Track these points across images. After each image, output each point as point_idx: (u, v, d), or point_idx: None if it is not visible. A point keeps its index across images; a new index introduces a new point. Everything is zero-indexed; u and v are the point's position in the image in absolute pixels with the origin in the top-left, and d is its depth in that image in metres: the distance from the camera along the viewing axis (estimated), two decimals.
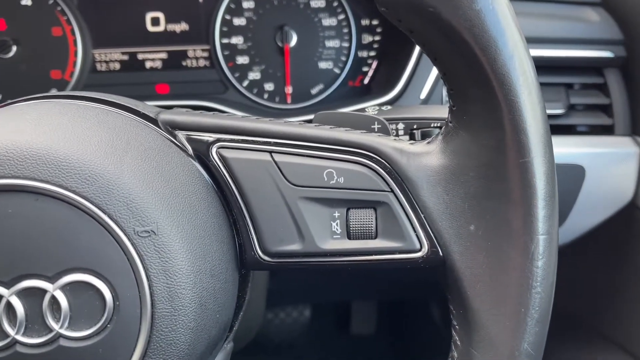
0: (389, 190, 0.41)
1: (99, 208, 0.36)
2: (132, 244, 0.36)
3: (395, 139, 0.43)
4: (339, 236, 0.42)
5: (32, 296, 0.36)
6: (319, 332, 1.52)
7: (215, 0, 0.83)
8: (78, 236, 0.36)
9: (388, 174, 0.41)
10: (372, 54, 0.86)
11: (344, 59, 0.86)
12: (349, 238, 0.42)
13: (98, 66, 0.85)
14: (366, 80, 0.87)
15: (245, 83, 0.86)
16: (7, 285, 0.36)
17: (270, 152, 0.43)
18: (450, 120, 0.41)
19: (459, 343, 0.41)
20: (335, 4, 0.84)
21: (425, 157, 0.41)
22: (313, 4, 0.84)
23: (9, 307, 0.36)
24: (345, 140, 0.42)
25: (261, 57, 0.85)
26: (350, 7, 0.84)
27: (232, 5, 0.84)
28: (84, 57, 0.83)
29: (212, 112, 0.47)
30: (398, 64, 0.81)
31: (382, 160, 0.41)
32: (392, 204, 0.41)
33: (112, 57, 0.85)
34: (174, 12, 0.84)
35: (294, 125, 0.43)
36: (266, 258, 0.43)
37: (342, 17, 0.85)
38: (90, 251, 0.36)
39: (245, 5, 0.84)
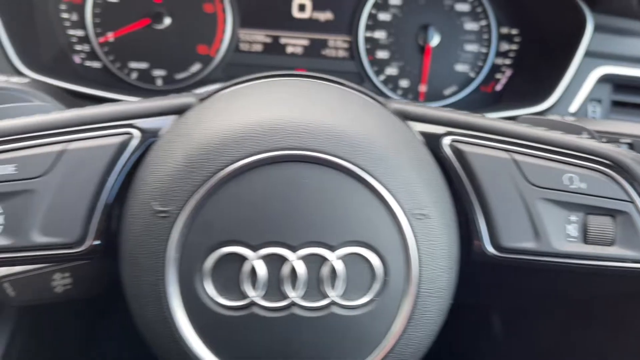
0: (630, 200, 0.43)
1: (385, 187, 0.38)
2: (410, 225, 0.38)
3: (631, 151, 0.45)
4: (574, 239, 0.43)
5: (312, 263, 0.38)
6: None
7: None
8: (361, 210, 0.38)
9: (630, 185, 0.43)
10: (507, 62, 0.88)
11: (480, 64, 0.87)
12: (586, 242, 0.43)
13: (241, 46, 0.87)
14: (498, 87, 0.88)
15: (382, 77, 0.87)
16: (293, 249, 0.38)
17: (510, 151, 0.44)
18: None
19: None
20: (479, 9, 0.86)
21: None
22: (458, 7, 0.86)
23: (293, 271, 0.38)
24: (587, 148, 0.44)
25: (401, 54, 0.87)
26: (493, 14, 0.86)
27: (380, 1, 0.85)
28: (231, 35, 0.86)
29: (435, 106, 0.49)
30: (540, 75, 0.82)
31: (624, 171, 0.43)
32: (632, 214, 0.43)
33: (255, 38, 0.87)
34: (321, 1, 0.86)
35: (532, 128, 0.45)
36: (494, 252, 0.44)
37: (484, 23, 0.86)
38: (370, 226, 0.38)
39: (392, 1, 0.86)
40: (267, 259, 0.38)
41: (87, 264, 0.61)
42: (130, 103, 0.45)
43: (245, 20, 0.86)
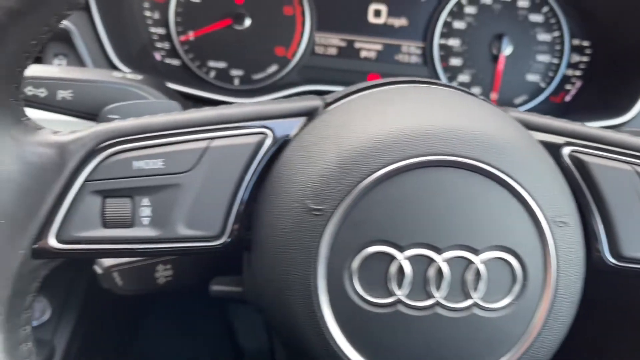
0: None
1: (529, 194, 0.40)
2: (551, 232, 0.40)
3: None
4: None
5: (457, 265, 0.40)
6: None
7: (438, 1, 0.87)
8: (505, 216, 0.40)
9: None
10: (578, 73, 0.89)
11: (551, 74, 0.89)
12: None
13: (317, 49, 0.89)
14: (567, 98, 0.90)
15: (454, 84, 0.89)
16: (439, 251, 0.40)
17: (632, 163, 0.46)
18: None
19: None
20: (553, 20, 0.87)
21: None
22: (532, 18, 0.87)
23: (438, 272, 0.40)
24: None
25: (473, 62, 0.88)
26: (567, 26, 0.87)
27: (455, 9, 0.87)
28: (308, 38, 0.87)
29: (549, 116, 0.51)
30: (611, 88, 0.84)
31: None
32: None
33: (331, 41, 0.89)
34: (397, 7, 0.88)
35: None
36: (614, 261, 0.46)
37: (557, 34, 0.88)
38: (513, 231, 0.40)
39: (467, 10, 0.87)
40: (414, 259, 0.40)
41: (186, 257, 0.63)
42: (263, 104, 0.47)
43: (322, 23, 0.88)
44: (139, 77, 0.57)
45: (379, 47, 0.89)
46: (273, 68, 0.88)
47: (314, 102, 0.48)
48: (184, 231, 0.43)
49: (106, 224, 0.42)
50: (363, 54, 0.89)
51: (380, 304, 0.40)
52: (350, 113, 0.43)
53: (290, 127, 0.46)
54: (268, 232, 0.42)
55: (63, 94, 0.54)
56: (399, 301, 0.40)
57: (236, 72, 0.88)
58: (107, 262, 0.59)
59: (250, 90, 0.88)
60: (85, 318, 0.97)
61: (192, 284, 0.65)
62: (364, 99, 0.46)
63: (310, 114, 0.47)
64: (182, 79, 0.87)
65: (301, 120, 0.47)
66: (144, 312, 1.24)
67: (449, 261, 0.40)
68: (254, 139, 0.45)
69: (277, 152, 0.46)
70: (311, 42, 0.88)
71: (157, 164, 0.43)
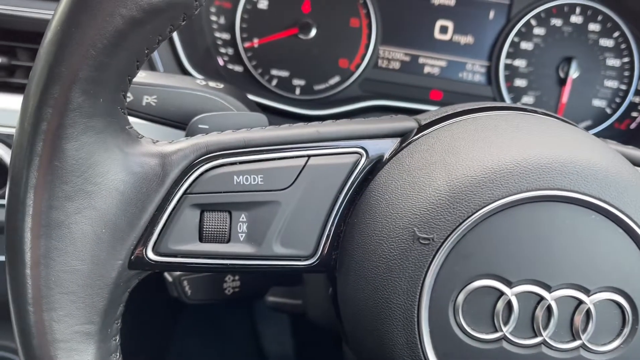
0: None
1: None
2: None
3: None
4: None
5: (566, 304, 0.39)
6: None
7: (506, 20, 0.86)
8: (620, 256, 0.38)
9: None
10: None
11: (618, 100, 0.87)
12: None
13: (380, 62, 0.88)
14: (633, 126, 0.88)
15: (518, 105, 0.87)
16: (550, 289, 0.38)
17: None
18: None
19: None
20: (624, 45, 0.85)
21: None
22: (602, 42, 0.86)
23: (547, 310, 0.38)
24: None
25: (539, 83, 0.87)
26: (638, 51, 0.85)
27: (523, 29, 0.86)
28: (372, 51, 0.86)
29: None
30: None
31: None
32: None
33: (395, 55, 0.88)
34: (464, 24, 0.87)
35: None
36: None
37: (626, 59, 0.86)
38: (626, 272, 0.38)
39: (536, 31, 0.86)
40: (522, 295, 0.38)
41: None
42: (357, 123, 0.46)
43: (387, 37, 0.87)
44: (221, 85, 0.57)
45: (443, 63, 0.88)
46: (335, 79, 0.87)
47: (409, 123, 0.47)
48: (278, 249, 0.43)
49: (203, 238, 0.42)
50: (427, 69, 0.88)
51: (484, 340, 0.39)
52: (456, 139, 0.42)
53: (383, 147, 0.46)
54: (367, 257, 0.41)
55: (148, 100, 0.54)
56: (504, 338, 0.39)
57: (298, 82, 0.87)
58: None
59: (311, 100, 0.87)
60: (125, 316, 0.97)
61: (255, 295, 0.65)
62: (467, 124, 0.45)
63: (404, 135, 0.46)
64: (243, 85, 0.87)
65: (394, 141, 0.46)
66: (178, 313, 1.24)
67: (558, 300, 0.38)
68: (350, 159, 0.44)
69: (369, 172, 0.45)
70: (375, 55, 0.87)
71: (257, 180, 0.42)
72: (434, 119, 0.47)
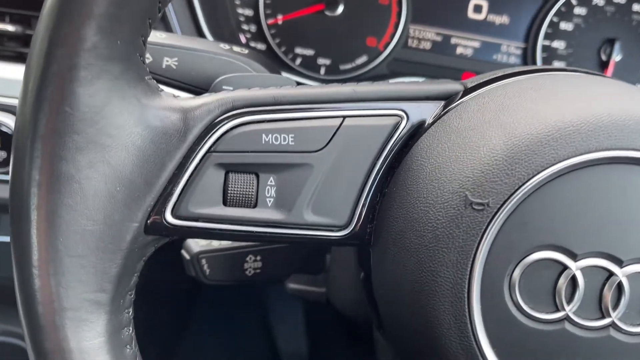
0: None
1: None
2: None
3: None
4: None
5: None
6: None
7: (545, 0, 0.81)
8: None
9: None
10: None
11: None
12: None
13: (410, 42, 0.83)
14: None
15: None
16: (621, 264, 0.34)
17: None
18: None
19: None
20: None
21: None
22: None
23: (617, 288, 0.34)
24: None
25: (578, 65, 0.81)
26: None
27: (563, 9, 0.81)
28: (402, 30, 0.82)
29: None
30: None
31: None
32: None
33: (425, 35, 0.83)
34: (499, 3, 0.82)
35: None
36: None
37: None
38: None
39: (576, 11, 0.81)
40: (589, 270, 0.34)
41: (278, 250, 0.58)
42: (400, 85, 0.42)
43: (417, 15, 0.82)
44: (245, 51, 0.53)
45: (476, 44, 0.83)
46: (362, 59, 0.83)
47: (453, 85, 0.43)
48: (309, 217, 0.39)
49: (227, 202, 0.38)
50: (459, 50, 0.83)
51: (544, 320, 0.34)
52: (511, 97, 0.38)
53: (425, 111, 0.41)
54: (409, 226, 0.37)
55: (169, 62, 0.50)
56: (567, 318, 0.34)
57: (323, 61, 0.83)
58: (196, 248, 0.55)
59: (336, 80, 0.83)
60: (138, 302, 0.94)
61: (277, 278, 0.61)
62: (521, 83, 0.40)
63: (448, 98, 0.42)
64: (266, 64, 0.83)
65: (438, 104, 0.42)
66: (193, 301, 1.21)
67: (630, 276, 0.34)
68: (390, 121, 0.40)
69: (410, 137, 0.41)
70: (405, 34, 0.83)
71: (287, 140, 0.38)
72: (481, 81, 0.43)
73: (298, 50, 0.83)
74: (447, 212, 0.35)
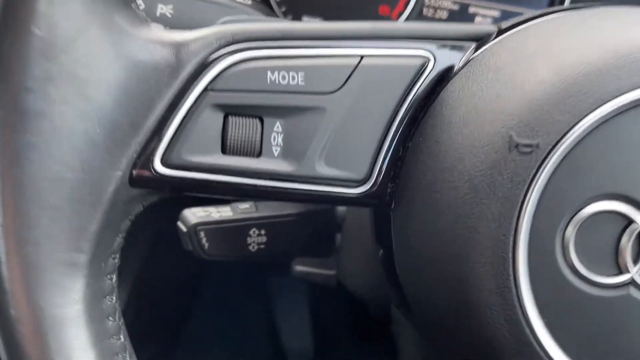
0: None
1: None
2: None
3: None
4: None
5: None
6: None
7: None
8: None
9: None
10: None
11: None
12: None
13: (425, 11, 0.78)
14: None
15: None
16: None
17: None
18: None
19: None
20: None
21: None
22: None
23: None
24: None
25: None
26: None
27: None
28: None
29: None
30: None
31: None
32: None
33: (442, 4, 0.78)
34: None
35: None
36: None
37: None
38: None
39: None
40: None
41: (283, 224, 0.53)
42: (425, 24, 0.37)
43: None
44: (249, 1, 0.48)
45: (496, 13, 0.78)
46: None
47: (487, 27, 0.37)
48: (322, 169, 0.33)
49: (227, 150, 0.32)
50: (478, 19, 0.78)
51: (603, 284, 0.29)
52: (559, 26, 0.33)
53: (455, 53, 0.36)
54: (440, 179, 0.31)
55: (163, 10, 0.45)
56: (632, 282, 0.29)
57: None
58: (193, 219, 0.49)
59: None
60: (137, 291, 0.90)
61: (283, 255, 0.56)
62: (562, 19, 0.35)
63: (481, 41, 0.37)
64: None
65: (469, 45, 0.36)
66: (195, 293, 1.17)
67: None
68: (414, 63, 0.35)
69: (437, 82, 0.36)
70: (420, 2, 0.77)
71: (297, 79, 0.33)
72: (517, 21, 0.38)
73: (306, 19, 0.78)
74: (488, 158, 0.29)
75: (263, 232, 0.51)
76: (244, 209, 0.50)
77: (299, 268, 0.64)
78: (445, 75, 0.36)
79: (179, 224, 0.49)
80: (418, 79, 0.35)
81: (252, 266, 1.00)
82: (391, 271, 0.39)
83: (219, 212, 0.49)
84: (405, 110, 0.34)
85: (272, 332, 1.21)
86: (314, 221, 0.54)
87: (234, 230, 0.50)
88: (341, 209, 0.58)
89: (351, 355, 1.10)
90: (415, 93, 0.34)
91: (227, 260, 0.50)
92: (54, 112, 0.29)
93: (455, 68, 0.36)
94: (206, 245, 0.48)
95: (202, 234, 0.48)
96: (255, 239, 0.50)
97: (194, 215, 0.49)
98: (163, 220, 0.56)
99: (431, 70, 0.35)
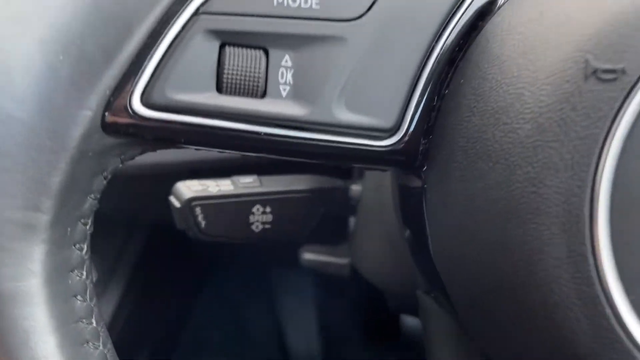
0: None
1: None
2: None
3: None
4: None
5: None
6: None
7: None
8: None
9: None
10: None
11: None
12: None
13: None
14: None
15: None
16: None
17: None
18: None
19: None
20: None
21: None
22: None
23: None
24: None
25: None
26: None
27: None
28: None
29: None
30: None
31: None
32: None
33: None
34: None
35: None
36: None
37: None
38: None
39: None
40: None
41: (292, 201, 0.47)
42: None
43: None
44: None
45: None
46: None
47: None
48: (342, 114, 0.27)
49: (223, 87, 0.26)
50: None
51: None
52: None
53: None
54: (492, 122, 0.25)
55: None
56: None
57: None
58: (188, 193, 0.43)
59: None
60: (133, 288, 0.85)
61: (290, 239, 0.49)
62: None
63: None
64: None
65: None
66: (195, 291, 1.12)
67: None
68: None
69: (479, 16, 0.29)
70: None
71: (310, 2, 0.27)
72: None
73: None
74: (556, 90, 0.23)
75: (268, 209, 0.45)
76: (247, 182, 0.44)
77: (307, 257, 0.58)
78: (489, 7, 0.29)
79: (172, 198, 0.43)
80: (458, 8, 0.28)
81: (255, 253, 0.94)
82: (421, 253, 0.33)
83: (217, 185, 0.43)
84: (441, 48, 0.28)
85: (276, 334, 1.16)
86: (326, 200, 0.48)
87: (234, 207, 0.43)
88: (355, 188, 0.52)
89: (360, 358, 1.05)
90: (455, 23, 0.28)
91: (227, 241, 0.44)
92: (2, 35, 0.23)
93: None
94: (203, 223, 0.42)
95: (198, 210, 0.42)
96: (259, 218, 0.44)
97: (188, 188, 0.43)
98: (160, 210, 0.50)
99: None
